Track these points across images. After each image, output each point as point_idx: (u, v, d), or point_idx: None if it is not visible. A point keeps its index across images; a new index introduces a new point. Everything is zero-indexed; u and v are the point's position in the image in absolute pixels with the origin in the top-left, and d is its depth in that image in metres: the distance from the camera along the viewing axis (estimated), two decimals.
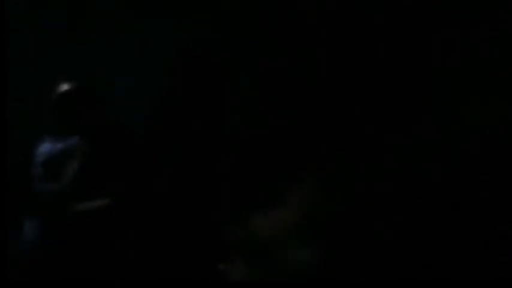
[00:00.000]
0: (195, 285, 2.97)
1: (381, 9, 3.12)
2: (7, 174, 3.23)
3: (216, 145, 3.17)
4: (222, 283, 2.80)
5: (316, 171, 2.86)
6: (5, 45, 3.51)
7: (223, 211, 3.01)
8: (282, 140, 3.01)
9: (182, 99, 3.40)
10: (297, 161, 2.97)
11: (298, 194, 2.81)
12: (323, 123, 3.02)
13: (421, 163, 2.81)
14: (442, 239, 2.69)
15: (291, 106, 3.10)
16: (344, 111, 3.02)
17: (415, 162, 2.81)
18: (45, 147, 3.36)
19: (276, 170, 2.97)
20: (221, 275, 2.83)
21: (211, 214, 3.05)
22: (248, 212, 2.84)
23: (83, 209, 2.96)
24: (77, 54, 3.60)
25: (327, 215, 2.77)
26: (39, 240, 3.11)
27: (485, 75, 2.95)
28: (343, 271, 2.69)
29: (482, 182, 2.74)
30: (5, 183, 3.21)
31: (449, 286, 2.62)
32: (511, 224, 2.65)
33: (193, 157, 3.21)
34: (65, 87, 3.14)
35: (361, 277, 2.66)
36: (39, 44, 3.68)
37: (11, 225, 3.24)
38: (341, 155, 2.92)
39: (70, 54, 3.62)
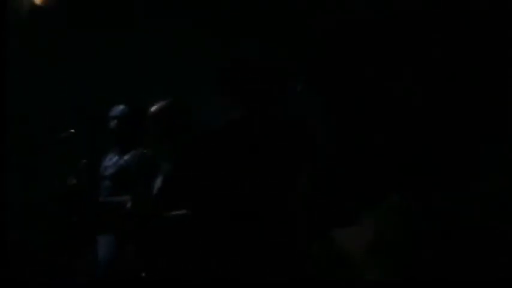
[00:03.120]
0: None
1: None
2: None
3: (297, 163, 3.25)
4: None
5: (394, 193, 2.95)
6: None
7: (305, 225, 2.97)
8: (362, 162, 3.08)
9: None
10: (376, 182, 3.03)
11: (376, 214, 2.93)
12: (402, 150, 3.08)
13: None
14: None
15: (372, 129, 3.17)
16: (423, 137, 3.10)
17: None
18: (110, 160, 3.31)
19: (356, 190, 3.05)
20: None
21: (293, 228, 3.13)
22: (329, 227, 2.96)
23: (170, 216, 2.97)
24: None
25: (402, 237, 2.87)
26: (116, 257, 3.09)
27: None
28: None
29: None
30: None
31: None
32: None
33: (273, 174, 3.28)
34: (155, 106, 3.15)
35: None
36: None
37: (82, 243, 3.16)
38: (418, 179, 2.99)
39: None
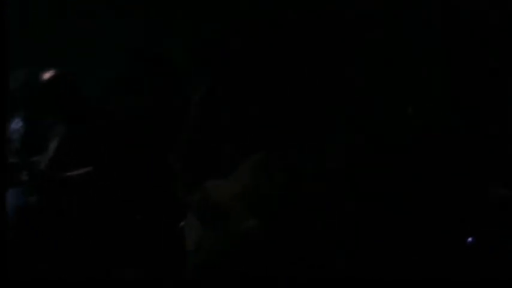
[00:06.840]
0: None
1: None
2: None
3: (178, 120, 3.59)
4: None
5: (265, 152, 3.25)
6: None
7: (183, 177, 3.36)
8: (238, 120, 3.40)
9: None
10: (250, 140, 3.34)
11: (248, 168, 3.22)
12: (277, 112, 3.42)
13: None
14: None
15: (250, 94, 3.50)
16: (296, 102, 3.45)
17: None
18: (18, 125, 3.81)
19: (231, 146, 3.37)
20: (179, 234, 3.31)
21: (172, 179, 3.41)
22: (204, 179, 3.27)
23: (67, 176, 3.49)
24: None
25: (270, 191, 3.16)
26: (24, 206, 3.61)
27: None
28: (284, 244, 3.10)
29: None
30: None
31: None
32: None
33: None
34: (47, 75, 3.63)
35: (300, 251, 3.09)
36: None
37: None
38: (289, 140, 3.31)
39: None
